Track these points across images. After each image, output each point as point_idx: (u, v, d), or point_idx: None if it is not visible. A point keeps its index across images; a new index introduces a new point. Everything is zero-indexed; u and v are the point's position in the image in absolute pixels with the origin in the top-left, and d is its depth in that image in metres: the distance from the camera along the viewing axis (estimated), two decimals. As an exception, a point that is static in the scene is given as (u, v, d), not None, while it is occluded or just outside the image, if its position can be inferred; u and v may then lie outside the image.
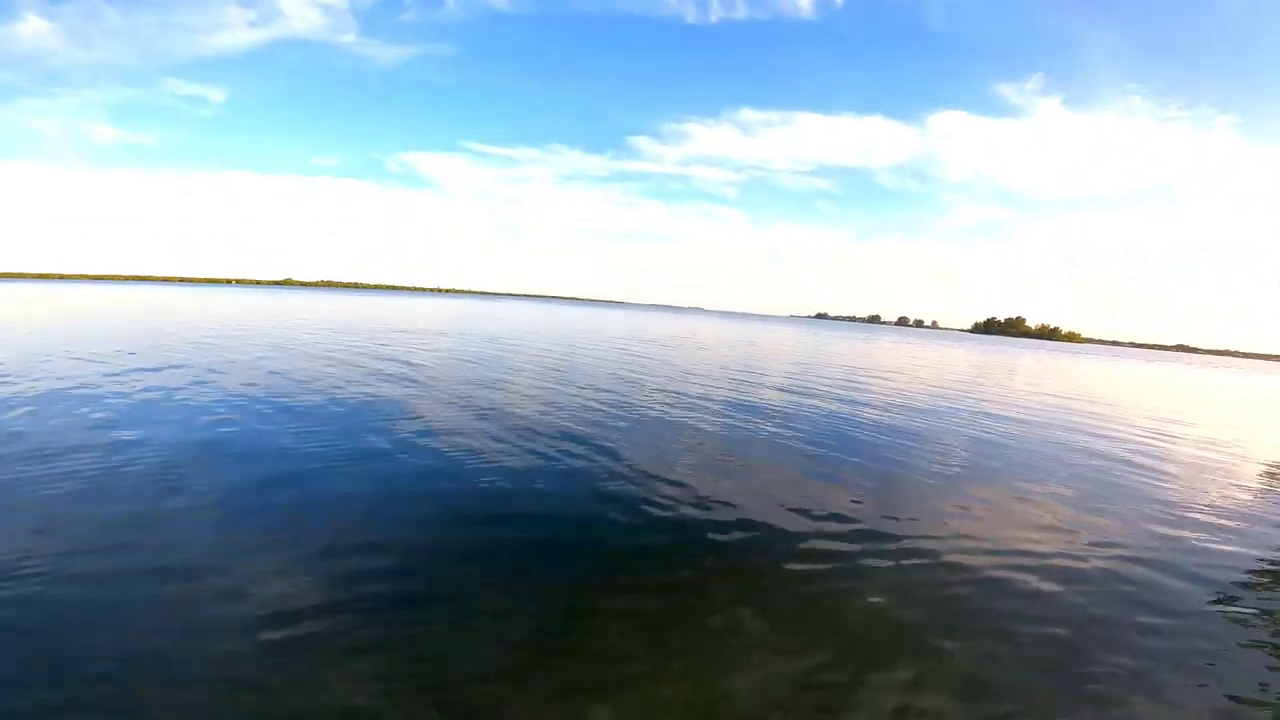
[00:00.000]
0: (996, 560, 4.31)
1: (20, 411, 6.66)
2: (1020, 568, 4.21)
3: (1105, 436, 9.82)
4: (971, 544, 4.55)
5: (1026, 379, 21.09)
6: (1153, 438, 10.21)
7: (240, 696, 2.47)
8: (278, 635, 2.86)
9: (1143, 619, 3.65)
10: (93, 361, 10.11)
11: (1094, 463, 7.71)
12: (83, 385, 8.03)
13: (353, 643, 2.83)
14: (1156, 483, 6.96)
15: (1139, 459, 8.21)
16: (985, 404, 12.54)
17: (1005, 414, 11.27)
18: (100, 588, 3.14)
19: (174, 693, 2.44)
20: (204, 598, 3.12)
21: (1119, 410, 13.86)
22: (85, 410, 6.72)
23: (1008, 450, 8.04)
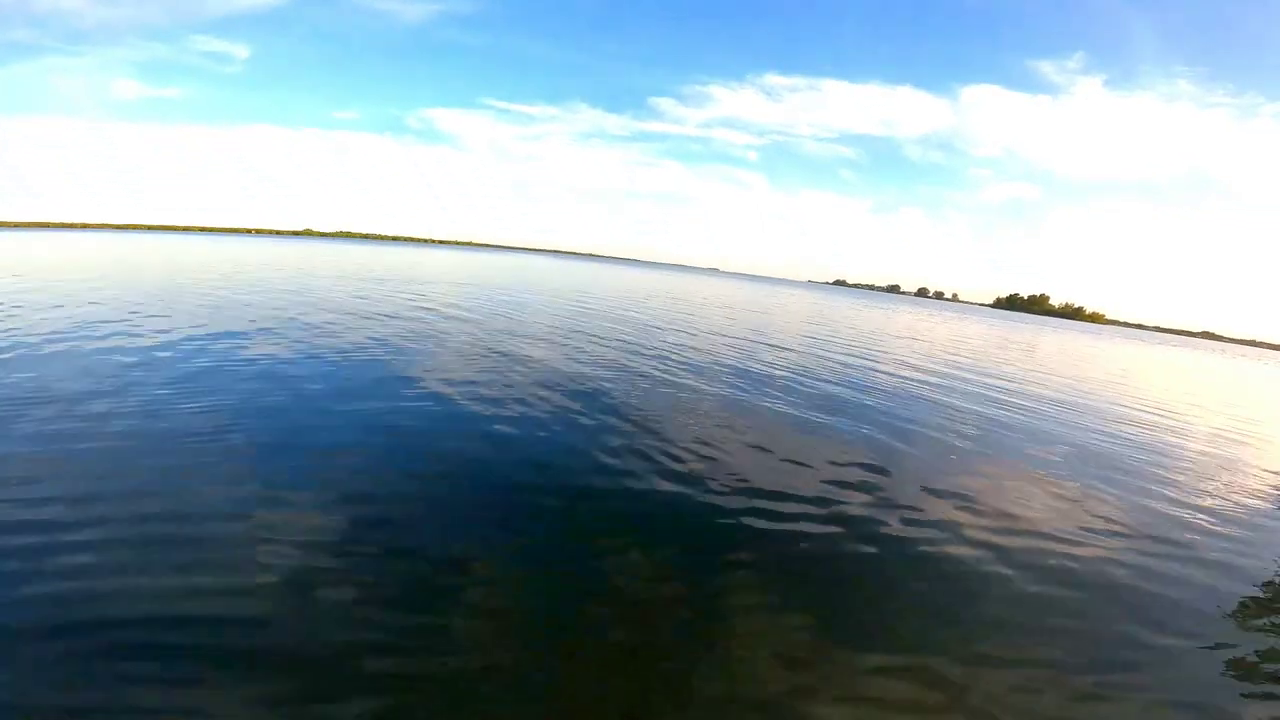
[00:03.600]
0: (1000, 544, 4.20)
1: (50, 367, 6.74)
2: (1032, 552, 4.09)
3: (1124, 421, 9.59)
4: (977, 527, 4.45)
5: (1046, 358, 20.67)
6: (1174, 424, 9.96)
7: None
8: (287, 582, 2.88)
9: (1145, 612, 3.54)
10: (116, 314, 10.17)
11: (1110, 447, 7.52)
12: (105, 335, 8.09)
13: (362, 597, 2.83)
14: (1170, 470, 6.77)
15: (1155, 444, 8.01)
16: (1001, 381, 12.29)
17: (1026, 393, 11.04)
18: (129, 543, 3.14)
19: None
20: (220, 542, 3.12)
21: (1141, 394, 13.54)
22: (112, 360, 6.77)
23: (1020, 431, 7.87)
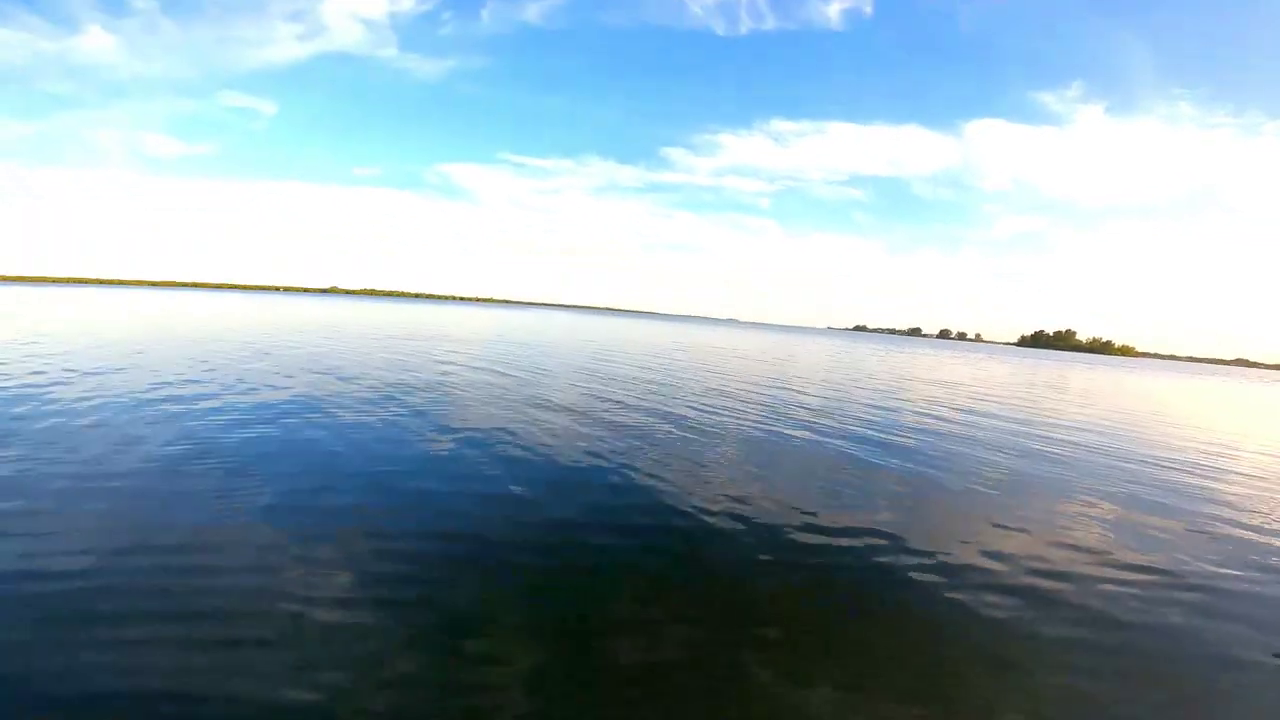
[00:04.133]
0: (1038, 582, 4.06)
1: (88, 418, 6.88)
2: (1073, 593, 3.92)
3: (1166, 458, 9.25)
4: (1012, 564, 4.27)
5: (1081, 398, 20.17)
6: (1213, 459, 9.56)
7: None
8: (314, 624, 2.98)
9: (1183, 653, 3.33)
10: (148, 375, 10.45)
11: (1151, 485, 7.24)
12: (144, 388, 8.29)
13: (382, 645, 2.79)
14: (1213, 508, 6.47)
15: (1196, 481, 7.68)
16: (1039, 422, 11.99)
17: (1063, 436, 10.75)
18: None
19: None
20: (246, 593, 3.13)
21: (1182, 429, 13.09)
22: (145, 414, 6.92)
23: (1057, 470, 7.62)
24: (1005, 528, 5.33)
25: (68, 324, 20.16)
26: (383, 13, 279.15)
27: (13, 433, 6.18)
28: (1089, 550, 4.94)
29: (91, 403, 7.67)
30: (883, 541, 4.75)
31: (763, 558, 4.29)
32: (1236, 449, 11.32)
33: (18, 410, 7.11)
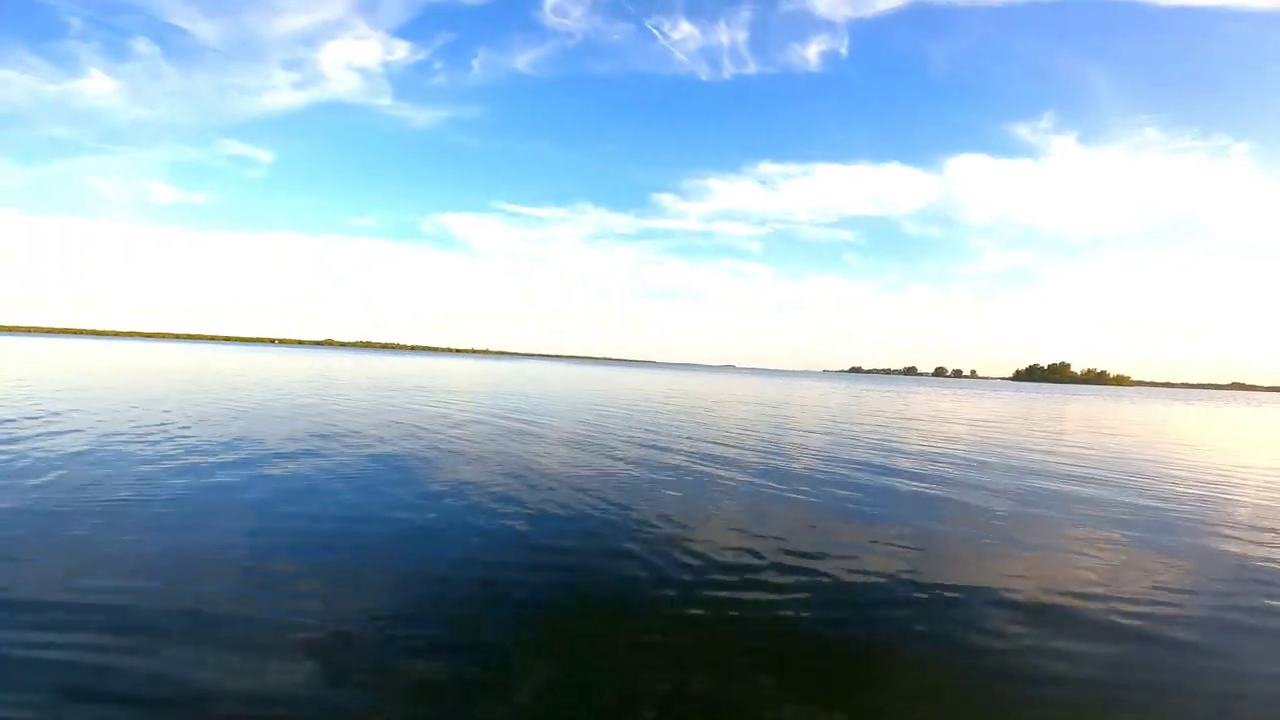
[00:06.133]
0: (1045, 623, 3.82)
1: (89, 464, 7.13)
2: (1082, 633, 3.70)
3: (1169, 487, 9.02)
4: (1022, 606, 4.05)
5: (1076, 429, 19.99)
6: (1218, 486, 9.34)
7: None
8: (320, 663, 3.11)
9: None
10: (147, 427, 10.27)
11: (1156, 513, 7.02)
12: (142, 441, 8.10)
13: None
14: (1225, 538, 6.25)
15: (1204, 510, 7.46)
16: (1033, 456, 11.77)
17: (1059, 468, 10.53)
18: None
19: None
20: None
21: (1182, 456, 12.87)
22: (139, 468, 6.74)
23: (1058, 506, 7.40)
24: (1019, 565, 5.12)
25: (81, 376, 19.95)
26: (377, 61, 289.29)
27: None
28: (1104, 585, 4.73)
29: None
30: (890, 580, 4.69)
31: (781, 596, 4.27)
32: (1244, 474, 11.12)
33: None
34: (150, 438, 9.82)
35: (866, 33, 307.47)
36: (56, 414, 11.68)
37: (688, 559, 4.91)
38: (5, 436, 8.93)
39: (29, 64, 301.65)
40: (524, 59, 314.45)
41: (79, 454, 8.06)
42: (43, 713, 2.59)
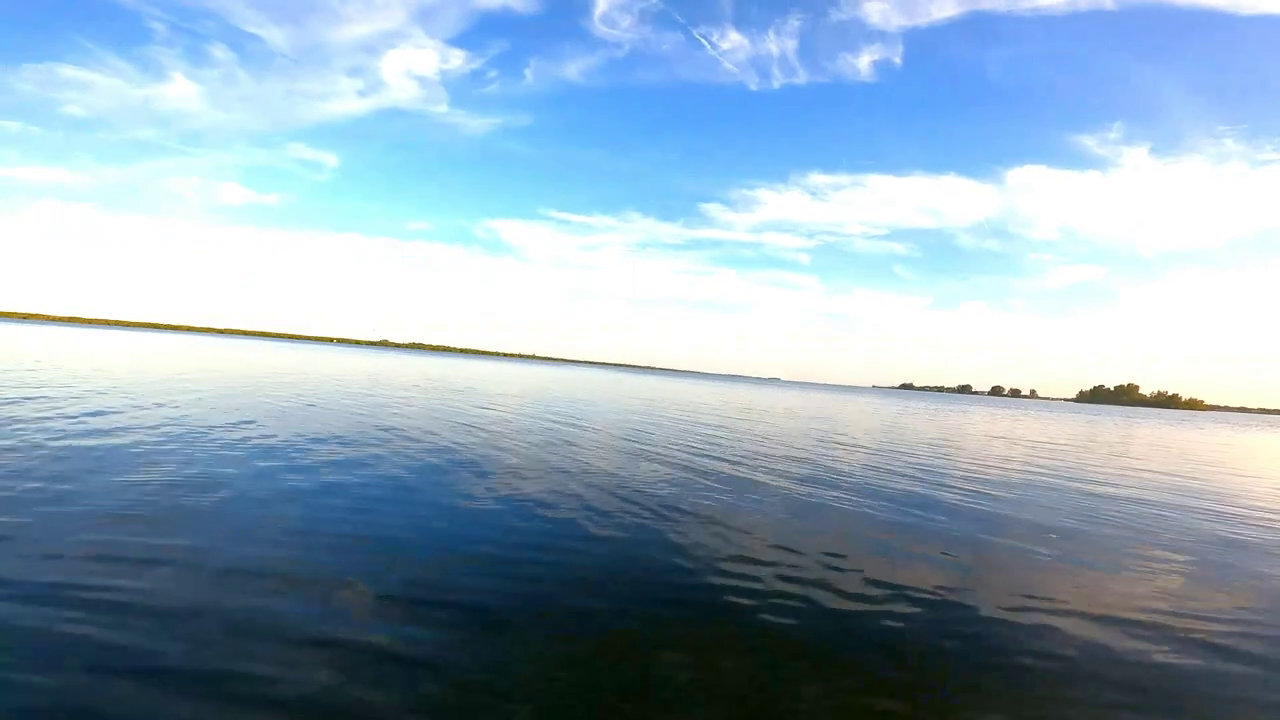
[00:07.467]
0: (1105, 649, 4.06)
1: (161, 463, 7.41)
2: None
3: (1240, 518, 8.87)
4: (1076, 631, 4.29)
5: (1150, 455, 19.30)
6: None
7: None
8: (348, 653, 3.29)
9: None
10: (210, 420, 11.11)
11: (1225, 543, 7.00)
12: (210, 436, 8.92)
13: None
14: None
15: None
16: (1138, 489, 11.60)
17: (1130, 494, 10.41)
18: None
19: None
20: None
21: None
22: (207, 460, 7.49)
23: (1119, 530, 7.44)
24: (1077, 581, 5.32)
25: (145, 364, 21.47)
26: (434, 70, 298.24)
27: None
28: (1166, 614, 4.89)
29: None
30: (937, 598, 4.87)
31: (832, 609, 4.46)
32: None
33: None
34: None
35: (921, 41, 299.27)
36: (175, 410, 12.56)
37: (728, 567, 5.16)
38: (121, 425, 9.66)
39: (116, 68, 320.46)
40: (574, 68, 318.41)
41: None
42: (79, 694, 2.82)
